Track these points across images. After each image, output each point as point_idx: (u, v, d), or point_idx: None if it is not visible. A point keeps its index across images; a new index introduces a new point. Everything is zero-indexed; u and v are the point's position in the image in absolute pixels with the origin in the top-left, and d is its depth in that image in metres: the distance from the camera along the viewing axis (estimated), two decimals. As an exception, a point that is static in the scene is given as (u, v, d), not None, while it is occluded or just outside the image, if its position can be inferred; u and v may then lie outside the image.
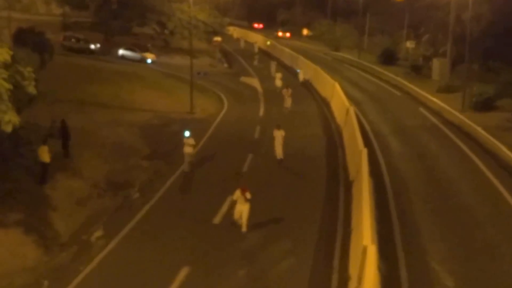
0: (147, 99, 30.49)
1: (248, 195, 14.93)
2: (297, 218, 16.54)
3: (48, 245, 14.21)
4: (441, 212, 17.55)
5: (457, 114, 30.88)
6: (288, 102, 32.36)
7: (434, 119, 31.45)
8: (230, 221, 15.39)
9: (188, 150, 20.14)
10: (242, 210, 14.97)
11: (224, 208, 16.47)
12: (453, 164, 22.95)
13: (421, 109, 34.24)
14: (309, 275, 13.18)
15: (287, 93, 32.70)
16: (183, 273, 12.90)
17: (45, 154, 17.50)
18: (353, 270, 12.59)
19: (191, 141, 20.23)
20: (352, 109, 26.98)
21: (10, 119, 14.57)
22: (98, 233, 15.06)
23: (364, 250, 11.94)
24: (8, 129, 14.69)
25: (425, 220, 16.88)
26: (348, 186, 18.87)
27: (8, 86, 14.82)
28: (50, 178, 17.53)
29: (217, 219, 16.01)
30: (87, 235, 15.01)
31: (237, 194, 15.07)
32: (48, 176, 17.41)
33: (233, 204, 15.43)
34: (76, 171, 18.73)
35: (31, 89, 16.68)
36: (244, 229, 15.02)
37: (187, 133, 20.27)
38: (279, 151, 21.44)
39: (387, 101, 37.37)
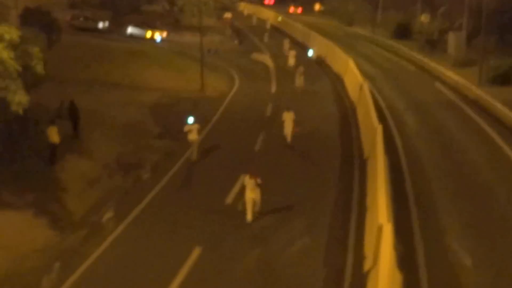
0: (157, 78, 30.16)
1: (259, 181, 14.28)
2: (310, 197, 16.25)
3: (59, 227, 14.10)
4: (458, 190, 17.15)
5: (474, 88, 30.19)
6: (300, 81, 31.76)
7: (450, 94, 30.79)
8: (241, 208, 14.72)
9: (193, 137, 18.90)
10: (254, 197, 14.24)
11: (237, 188, 16.18)
12: (470, 140, 22.44)
13: (437, 84, 33.55)
14: (324, 255, 12.93)
15: (299, 71, 32.10)
16: (195, 253, 12.71)
17: (54, 135, 17.35)
18: (368, 250, 12.30)
19: (196, 127, 18.92)
20: (366, 85, 26.44)
21: (21, 100, 14.42)
22: (109, 214, 14.89)
23: (380, 229, 11.63)
24: (19, 110, 14.56)
25: (442, 197, 16.50)
26: (363, 164, 18.51)
27: (16, 66, 14.66)
28: (60, 159, 17.41)
29: (229, 199, 15.76)
30: (98, 217, 14.85)
31: (247, 180, 14.38)
32: (57, 157, 17.27)
33: (242, 190, 14.85)
34: (86, 152, 18.58)
35: (39, 69, 16.49)
36: (256, 214, 14.43)
37: (191, 120, 18.96)
38: (288, 134, 20.61)
39: (402, 76, 36.68)
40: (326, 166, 18.99)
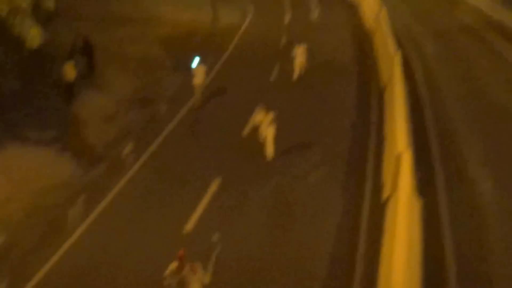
0: (169, 11, 29.51)
1: (273, 116, 14.00)
2: (327, 128, 16.22)
3: (80, 162, 14.29)
4: (478, 117, 16.95)
5: (497, 10, 29.10)
6: (315, 12, 30.88)
7: (471, 18, 29.78)
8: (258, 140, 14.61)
9: (197, 81, 17.62)
10: (267, 133, 14.00)
11: (254, 119, 16.12)
12: (491, 66, 21.93)
13: (457, 8, 32.41)
14: (342, 184, 13.03)
15: (313, 1, 31.16)
16: (215, 184, 12.90)
17: (70, 71, 17.32)
18: (387, 178, 12.34)
19: (202, 70, 17.72)
20: (383, 12, 25.63)
21: (34, 35, 14.35)
22: (129, 148, 15.03)
23: (399, 157, 11.61)
24: (34, 43, 14.50)
25: (462, 124, 16.35)
26: (381, 93, 18.28)
27: (27, 2, 14.48)
28: (77, 95, 17.46)
29: (246, 131, 15.76)
30: (118, 151, 15.00)
31: (261, 115, 14.17)
32: (74, 94, 17.32)
33: (255, 128, 14.61)
34: (102, 88, 18.57)
35: (50, 6, 16.27)
36: (270, 153, 14.11)
37: (195, 62, 17.77)
38: (297, 69, 20.02)
39: (421, 1, 35.43)
40: (343, 96, 18.79)
